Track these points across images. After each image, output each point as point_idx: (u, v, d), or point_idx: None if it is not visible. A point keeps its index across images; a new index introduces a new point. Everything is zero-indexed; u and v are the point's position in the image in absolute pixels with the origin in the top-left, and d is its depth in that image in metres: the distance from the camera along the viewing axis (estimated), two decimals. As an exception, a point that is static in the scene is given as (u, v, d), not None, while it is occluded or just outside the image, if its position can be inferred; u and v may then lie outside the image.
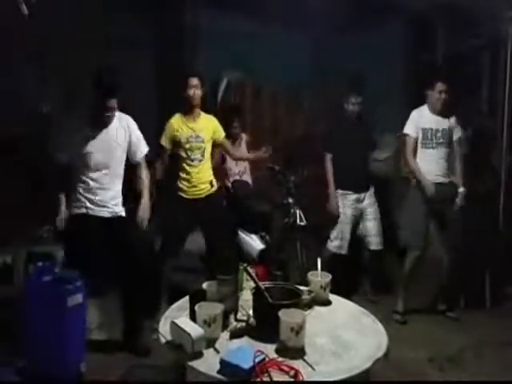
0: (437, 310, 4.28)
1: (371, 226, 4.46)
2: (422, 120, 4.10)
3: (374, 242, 4.46)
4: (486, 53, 4.92)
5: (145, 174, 3.53)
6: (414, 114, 4.16)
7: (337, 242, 4.44)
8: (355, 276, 4.69)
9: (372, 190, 4.52)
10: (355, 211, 4.45)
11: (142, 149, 3.48)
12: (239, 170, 4.81)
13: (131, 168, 3.49)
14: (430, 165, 4.08)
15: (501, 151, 4.68)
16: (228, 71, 5.54)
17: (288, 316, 1.87)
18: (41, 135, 4.38)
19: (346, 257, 4.44)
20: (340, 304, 2.39)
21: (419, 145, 4.12)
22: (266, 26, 5.56)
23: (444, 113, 4.09)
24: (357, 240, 4.53)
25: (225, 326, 2.02)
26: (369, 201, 4.48)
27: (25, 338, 3.04)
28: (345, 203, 4.44)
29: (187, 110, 3.93)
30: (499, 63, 4.71)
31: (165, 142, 3.90)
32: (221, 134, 4.11)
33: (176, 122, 3.92)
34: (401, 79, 5.74)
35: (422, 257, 4.12)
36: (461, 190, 4.07)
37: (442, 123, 4.09)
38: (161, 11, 5.21)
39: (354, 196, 4.44)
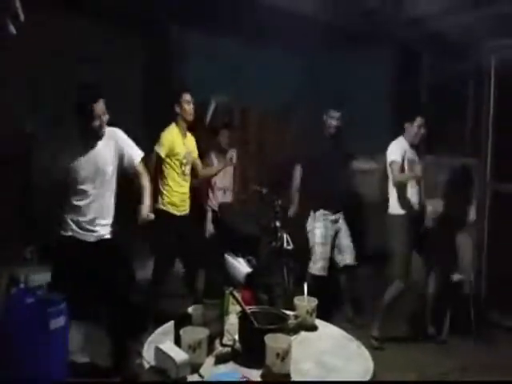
0: (425, 334, 4.29)
1: (346, 243, 4.48)
2: (405, 149, 4.13)
3: (349, 258, 4.47)
4: (470, 82, 5.01)
5: (146, 180, 3.36)
6: (395, 143, 4.16)
7: (320, 263, 4.38)
8: (337, 299, 4.69)
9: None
10: (333, 231, 4.46)
11: (137, 155, 3.31)
12: (224, 185, 4.78)
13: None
14: (413, 195, 4.13)
15: (485, 180, 4.76)
16: (216, 93, 5.57)
17: (274, 341, 1.85)
18: (25, 155, 4.36)
19: (326, 280, 4.42)
20: (326, 329, 2.38)
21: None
22: (253, 48, 5.62)
23: (420, 146, 4.19)
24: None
25: (210, 351, 2.00)
26: (342, 220, 4.52)
27: (6, 361, 2.98)
28: (326, 224, 4.43)
29: (181, 125, 3.95)
30: (483, 92, 4.81)
31: (162, 151, 3.86)
32: (196, 153, 4.19)
33: (174, 134, 3.92)
34: (385, 105, 5.82)
35: (405, 291, 4.10)
36: (429, 208, 4.13)
37: (416, 158, 4.15)
38: (147, 33, 5.25)
39: (333, 217, 4.46)
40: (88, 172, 3.13)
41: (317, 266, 4.38)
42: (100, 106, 3.04)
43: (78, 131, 3.14)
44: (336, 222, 4.47)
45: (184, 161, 3.95)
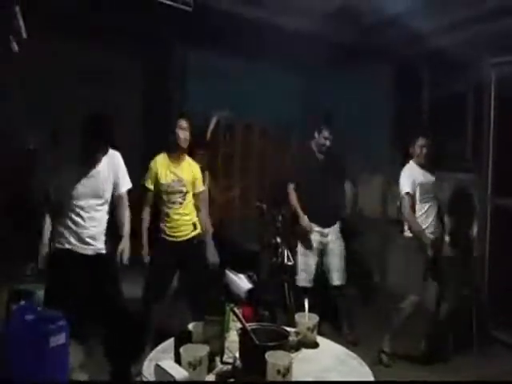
0: (425, 351, 4.24)
1: (334, 262, 4.50)
2: (415, 175, 4.14)
3: (336, 278, 4.50)
4: (470, 98, 5.03)
5: (126, 208, 3.45)
6: (406, 170, 4.16)
7: (303, 274, 4.49)
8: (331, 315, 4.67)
9: (337, 225, 4.57)
10: (320, 245, 4.50)
11: (126, 184, 3.42)
12: None
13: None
14: (429, 218, 4.13)
15: (485, 195, 4.76)
16: (217, 110, 5.61)
17: (275, 358, 1.84)
18: (25, 172, 4.38)
19: (320, 294, 4.42)
20: (327, 346, 2.36)
21: (417, 200, 4.12)
22: (254, 64, 5.66)
23: (429, 167, 4.18)
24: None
25: (210, 369, 1.99)
26: (333, 236, 4.52)
27: (5, 378, 2.96)
28: (310, 236, 4.49)
29: (173, 151, 3.87)
30: (483, 108, 4.83)
31: (149, 183, 3.83)
32: (199, 186, 3.99)
33: (160, 163, 3.84)
34: (386, 122, 5.84)
35: (420, 303, 4.08)
36: (447, 238, 4.12)
37: (430, 177, 4.17)
38: (149, 49, 5.29)
39: (319, 229, 4.50)
40: (87, 189, 3.20)
41: (299, 277, 4.49)
42: (102, 145, 3.16)
43: (81, 152, 3.21)
44: (324, 236, 4.50)
45: (169, 189, 3.81)
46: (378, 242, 5.57)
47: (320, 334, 2.41)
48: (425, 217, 4.12)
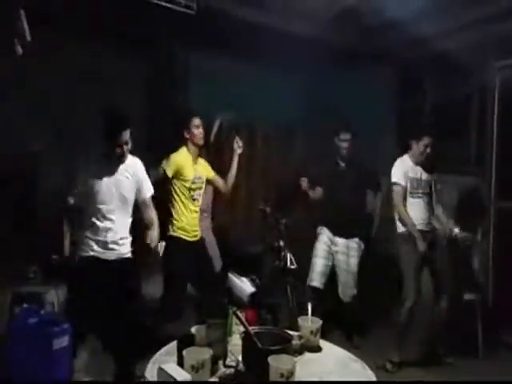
0: (435, 354, 4.21)
1: (341, 276, 4.50)
2: (407, 169, 4.13)
3: (341, 293, 4.49)
4: (474, 100, 5.02)
5: (152, 211, 3.41)
6: (399, 163, 4.17)
7: (312, 274, 4.50)
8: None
9: (354, 241, 4.53)
10: (328, 248, 4.52)
11: (149, 190, 3.40)
12: (201, 209, 4.68)
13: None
14: (418, 214, 4.09)
15: (489, 197, 4.74)
16: (220, 112, 5.61)
17: (278, 362, 1.84)
18: (30, 173, 4.38)
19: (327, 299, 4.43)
20: (330, 350, 2.36)
21: (407, 194, 4.14)
22: (255, 66, 5.66)
23: (425, 164, 4.15)
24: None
25: (213, 372, 1.98)
26: (343, 249, 4.49)
27: (8, 381, 2.96)
28: (320, 238, 4.56)
29: (191, 149, 3.94)
30: (487, 111, 4.82)
31: (169, 171, 3.82)
32: (211, 172, 4.14)
33: (184, 158, 3.89)
34: (389, 123, 5.84)
35: (414, 308, 4.03)
36: (456, 230, 4.06)
37: (424, 173, 4.15)
38: (150, 50, 5.30)
39: (328, 233, 4.52)
40: (109, 195, 3.16)
41: (310, 277, 4.52)
42: (125, 136, 3.12)
43: (102, 155, 3.20)
44: (332, 242, 4.52)
45: (193, 186, 3.89)
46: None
47: (323, 337, 2.41)
48: (414, 211, 4.08)
